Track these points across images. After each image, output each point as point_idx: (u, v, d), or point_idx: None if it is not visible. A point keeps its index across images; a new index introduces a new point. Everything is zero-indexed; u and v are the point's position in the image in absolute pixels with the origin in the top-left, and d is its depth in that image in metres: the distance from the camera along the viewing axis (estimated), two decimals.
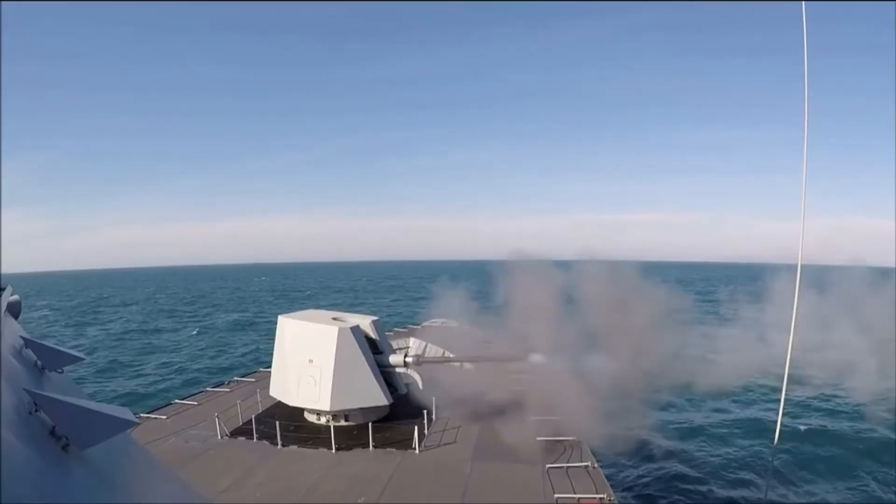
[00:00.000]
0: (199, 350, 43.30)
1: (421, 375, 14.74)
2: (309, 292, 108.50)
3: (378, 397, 14.03)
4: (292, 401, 14.31)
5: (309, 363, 14.02)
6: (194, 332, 52.19)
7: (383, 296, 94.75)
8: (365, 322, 14.97)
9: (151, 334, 52.32)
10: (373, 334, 14.90)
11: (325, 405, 13.78)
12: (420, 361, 14.75)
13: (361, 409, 14.04)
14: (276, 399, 15.32)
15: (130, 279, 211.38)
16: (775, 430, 7.74)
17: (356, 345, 13.88)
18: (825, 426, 22.32)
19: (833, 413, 23.89)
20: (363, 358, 13.91)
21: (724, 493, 16.87)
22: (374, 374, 14.04)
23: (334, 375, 13.69)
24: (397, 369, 14.76)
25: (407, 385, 15.18)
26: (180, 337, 50.62)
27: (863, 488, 16.98)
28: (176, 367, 37.19)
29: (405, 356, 14.75)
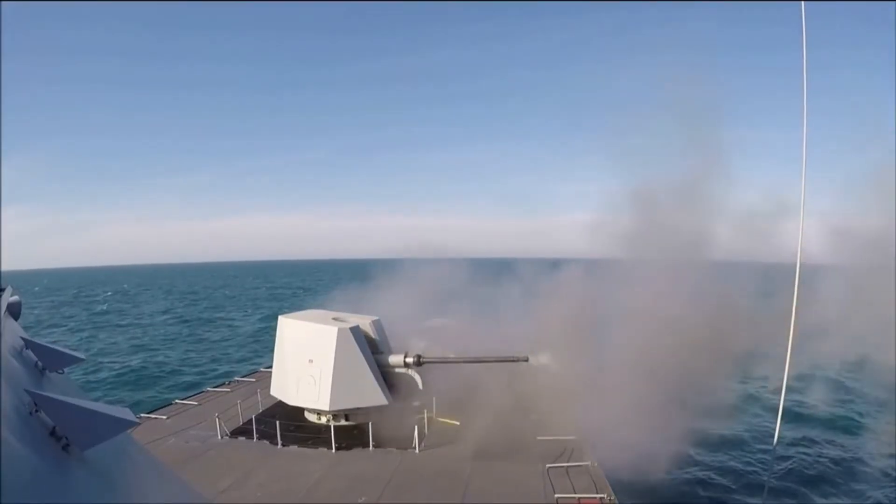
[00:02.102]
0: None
1: (421, 376, 14.75)
2: (321, 289, 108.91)
3: (377, 397, 14.01)
4: (292, 400, 14.36)
5: (309, 363, 14.06)
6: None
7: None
8: (365, 322, 14.97)
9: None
10: (373, 334, 14.91)
11: (325, 405, 13.81)
12: (421, 361, 14.71)
13: (362, 408, 14.07)
14: (276, 399, 15.35)
15: (135, 276, 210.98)
16: (775, 431, 7.75)
17: (355, 345, 13.88)
18: (825, 424, 22.29)
19: (834, 412, 23.85)
20: (362, 358, 13.91)
21: (723, 489, 16.87)
22: (374, 374, 14.03)
23: (333, 375, 13.72)
24: (396, 369, 14.75)
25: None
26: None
27: (863, 489, 16.95)
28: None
29: (405, 356, 14.71)
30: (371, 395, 14.00)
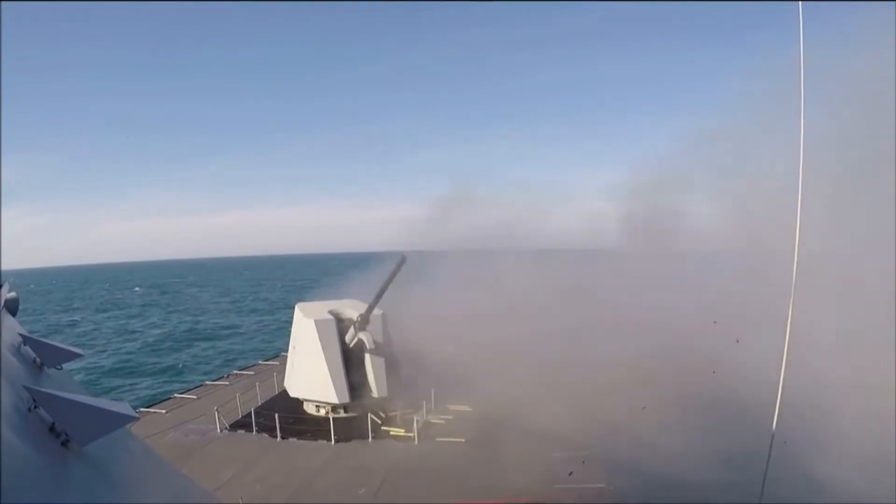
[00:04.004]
0: None
1: (373, 336, 14.30)
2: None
3: (329, 394, 13.85)
4: (285, 381, 15.54)
5: (293, 350, 15.02)
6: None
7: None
8: (355, 315, 14.76)
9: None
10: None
11: (291, 391, 14.75)
12: (364, 323, 14.17)
13: (360, 400, 14.04)
14: (275, 391, 15.82)
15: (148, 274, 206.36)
16: (772, 427, 7.78)
17: (316, 338, 13.95)
18: (824, 420, 22.25)
19: (833, 408, 23.81)
20: (321, 352, 13.87)
21: (722, 483, 16.90)
22: (332, 370, 13.81)
23: (296, 364, 14.43)
24: (351, 344, 14.27)
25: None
26: None
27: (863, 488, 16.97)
28: None
29: (355, 323, 14.21)
30: (323, 390, 13.86)
